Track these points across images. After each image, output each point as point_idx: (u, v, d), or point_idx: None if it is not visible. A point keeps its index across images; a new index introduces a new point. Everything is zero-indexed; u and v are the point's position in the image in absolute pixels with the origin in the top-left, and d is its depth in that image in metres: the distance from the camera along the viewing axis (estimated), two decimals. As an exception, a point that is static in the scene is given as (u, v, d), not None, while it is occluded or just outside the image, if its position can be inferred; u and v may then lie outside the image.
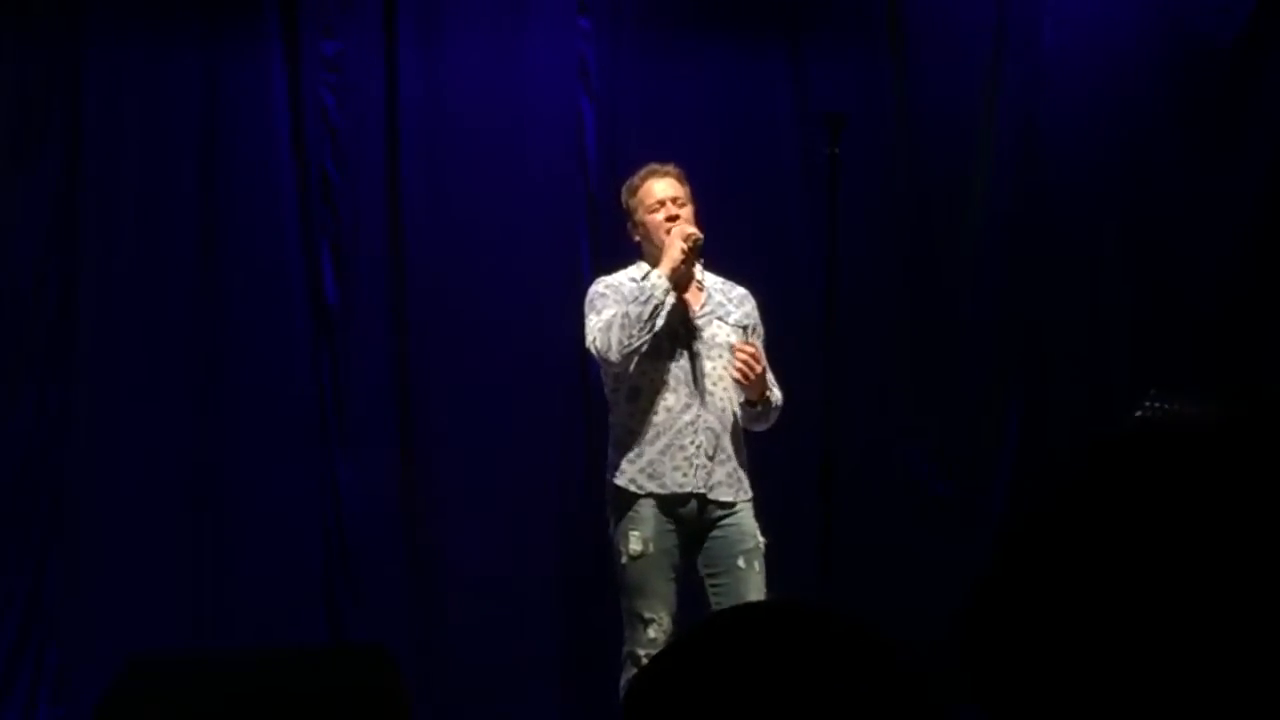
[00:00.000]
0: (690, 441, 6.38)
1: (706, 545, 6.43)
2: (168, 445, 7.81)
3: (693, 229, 6.37)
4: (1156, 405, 6.58)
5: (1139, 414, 6.53)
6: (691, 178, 7.55)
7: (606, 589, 7.86)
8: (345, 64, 8.01)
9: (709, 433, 6.40)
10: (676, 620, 6.33)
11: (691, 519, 6.40)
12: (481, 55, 8.08)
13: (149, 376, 7.82)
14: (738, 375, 6.26)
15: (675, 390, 6.41)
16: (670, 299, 6.33)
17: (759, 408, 6.35)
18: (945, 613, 7.82)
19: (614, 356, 6.31)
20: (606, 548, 7.85)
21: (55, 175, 7.84)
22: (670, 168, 6.57)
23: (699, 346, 6.45)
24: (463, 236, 8.02)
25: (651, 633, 6.26)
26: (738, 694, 1.64)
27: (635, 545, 6.36)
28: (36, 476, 7.77)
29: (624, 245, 7.98)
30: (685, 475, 6.38)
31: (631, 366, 6.34)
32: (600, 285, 6.57)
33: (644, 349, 6.32)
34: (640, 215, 6.54)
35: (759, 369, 6.25)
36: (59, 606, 7.75)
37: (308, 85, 7.97)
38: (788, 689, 1.65)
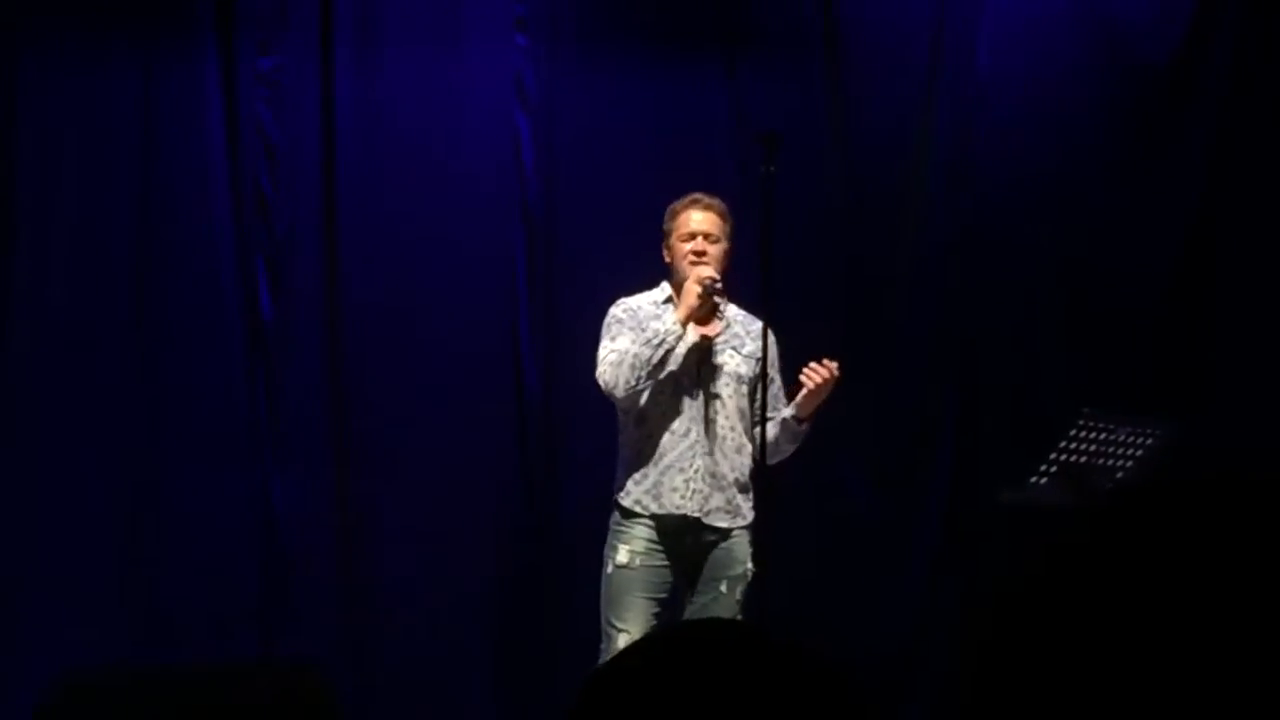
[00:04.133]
0: (689, 465, 6.44)
1: (697, 568, 6.50)
2: (101, 459, 7.77)
3: (710, 272, 6.41)
4: (1091, 424, 6.62)
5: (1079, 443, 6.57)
6: (625, 194, 7.56)
7: (541, 604, 7.88)
8: (281, 79, 7.99)
9: (706, 459, 6.45)
10: None
11: (686, 544, 6.45)
12: (418, 71, 8.07)
13: (82, 389, 7.78)
14: (810, 384, 6.34)
15: (680, 415, 6.46)
16: (683, 346, 6.39)
17: (803, 426, 6.44)
18: (879, 634, 7.89)
19: (619, 393, 6.40)
20: (548, 561, 7.88)
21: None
22: (715, 201, 6.59)
23: (709, 374, 6.50)
24: (398, 252, 8.00)
25: (622, 643, 6.27)
26: (679, 710, 1.64)
27: (621, 557, 6.43)
28: (-33, 489, 7.72)
29: (560, 261, 8.01)
30: (683, 498, 6.44)
31: (641, 402, 6.40)
32: (619, 309, 6.59)
33: (650, 387, 6.37)
34: (672, 241, 6.58)
35: (825, 386, 6.37)
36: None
37: (244, 100, 7.95)
38: (730, 709, 1.65)
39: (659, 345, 6.33)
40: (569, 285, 7.97)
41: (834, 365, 6.41)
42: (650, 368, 6.33)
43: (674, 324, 6.38)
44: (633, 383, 6.35)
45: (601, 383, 6.44)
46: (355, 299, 7.99)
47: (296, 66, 8.00)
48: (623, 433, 6.58)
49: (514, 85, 8.09)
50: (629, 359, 6.36)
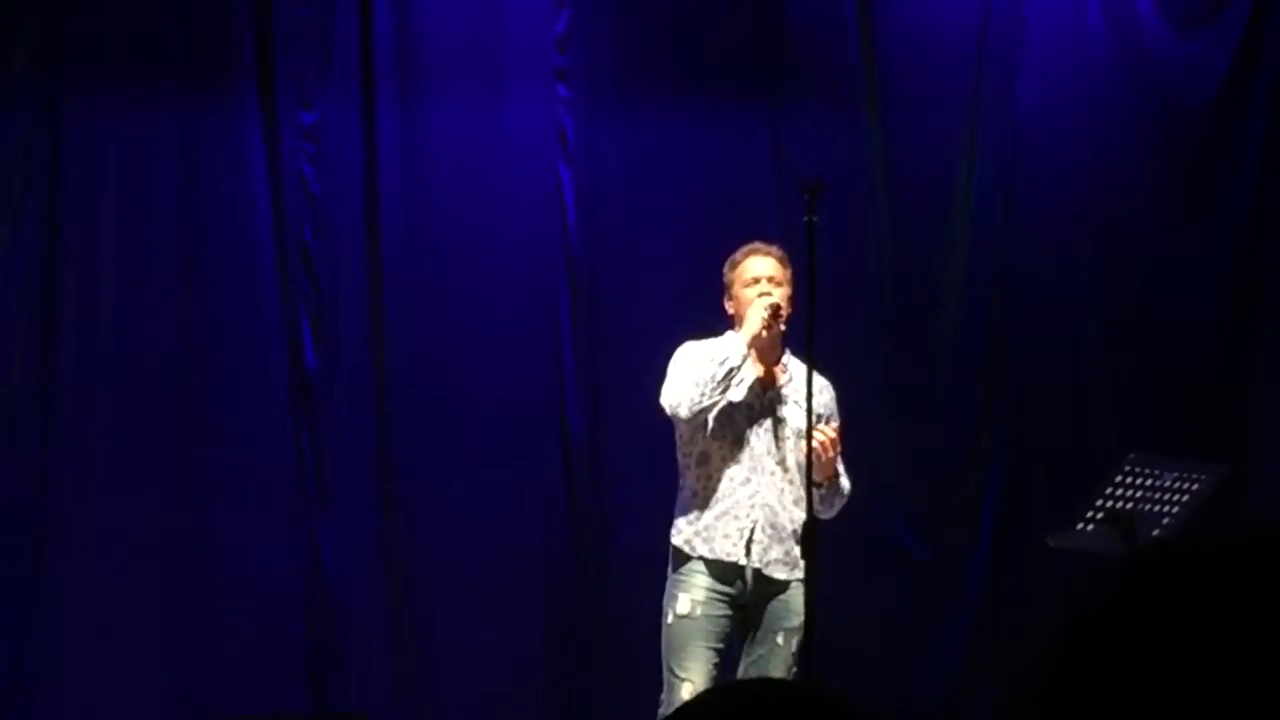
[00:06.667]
0: (745, 514, 6.45)
1: (754, 619, 6.50)
2: (148, 512, 7.79)
3: (775, 298, 6.42)
4: (1137, 469, 6.59)
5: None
6: (668, 243, 7.57)
7: (591, 652, 7.87)
8: (323, 134, 8.01)
9: (766, 509, 6.47)
10: None
11: (745, 592, 6.46)
12: (460, 122, 8.10)
13: (129, 443, 7.81)
14: (812, 453, 6.32)
15: (740, 462, 6.48)
16: (748, 369, 6.40)
17: (824, 490, 6.40)
18: (928, 678, 7.87)
19: (684, 413, 6.39)
20: (595, 608, 7.87)
21: (34, 242, 7.83)
22: (774, 249, 6.61)
23: (771, 424, 6.52)
24: (442, 303, 8.02)
25: (685, 693, 6.27)
26: None
27: (682, 607, 6.43)
28: (16, 541, 7.74)
29: (604, 309, 8.02)
30: (735, 545, 6.44)
31: (708, 427, 6.41)
32: (686, 347, 6.59)
33: (714, 411, 6.38)
34: (736, 290, 6.58)
35: (832, 453, 6.31)
36: (37, 667, 7.70)
37: (287, 155, 7.97)
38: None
39: (723, 363, 6.34)
40: (613, 333, 7.98)
41: (831, 431, 6.38)
42: (714, 384, 6.33)
43: (738, 344, 6.40)
44: (696, 400, 6.35)
45: (666, 406, 6.45)
46: (399, 349, 8.00)
47: (338, 119, 8.03)
48: (683, 475, 6.58)
49: (555, 135, 8.10)
50: (693, 377, 6.38)
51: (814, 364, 6.39)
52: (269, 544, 7.85)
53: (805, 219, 6.41)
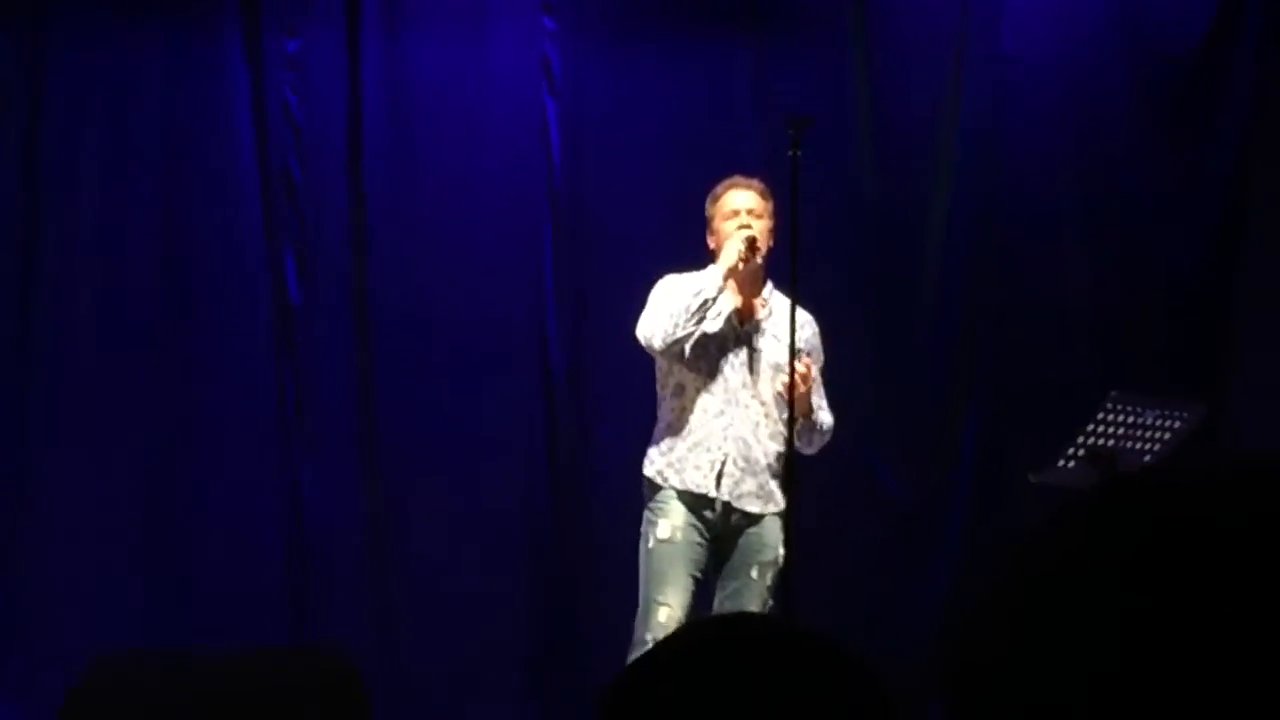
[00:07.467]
0: (718, 446, 6.45)
1: (727, 550, 6.49)
2: (129, 446, 7.79)
3: (753, 230, 6.40)
4: (1118, 407, 6.61)
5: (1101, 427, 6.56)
6: (652, 177, 7.56)
7: (574, 588, 7.88)
8: (307, 62, 7.99)
9: (739, 441, 6.46)
10: (690, 616, 6.36)
11: (717, 524, 6.46)
12: (444, 53, 8.07)
13: (109, 377, 7.80)
14: (781, 389, 6.32)
15: (715, 394, 6.47)
16: (725, 301, 6.39)
17: (799, 425, 6.37)
18: (909, 617, 7.89)
19: (657, 344, 6.39)
20: (575, 546, 7.86)
21: (14, 173, 7.81)
22: (755, 182, 6.61)
23: (748, 357, 6.50)
24: (426, 236, 8.01)
25: (662, 617, 6.30)
26: (710, 707, 1.64)
27: (663, 531, 6.44)
28: (-4, 476, 7.75)
29: (587, 245, 8.00)
30: (705, 476, 6.44)
31: (685, 354, 6.40)
32: (666, 280, 6.57)
33: (689, 342, 6.36)
34: (716, 223, 6.58)
35: (803, 388, 6.28)
36: (22, 609, 7.71)
37: (270, 83, 7.95)
38: (761, 707, 1.65)
39: (697, 294, 6.33)
40: (595, 268, 7.96)
41: (803, 366, 6.35)
42: (689, 315, 6.32)
43: (715, 275, 6.38)
44: (670, 331, 6.34)
45: (641, 337, 6.45)
46: (382, 283, 7.99)
47: (322, 50, 8.00)
48: (660, 406, 6.59)
49: (541, 68, 8.07)
50: (669, 308, 6.36)
51: (797, 299, 6.38)
52: (250, 480, 7.85)
53: (790, 153, 6.40)
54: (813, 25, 8.24)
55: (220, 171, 7.92)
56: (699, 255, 6.65)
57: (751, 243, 6.39)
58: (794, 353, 6.31)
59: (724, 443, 6.45)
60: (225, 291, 7.92)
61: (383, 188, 8.00)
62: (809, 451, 6.54)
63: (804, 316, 6.53)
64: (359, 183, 7.99)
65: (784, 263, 6.38)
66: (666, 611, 6.31)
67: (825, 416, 6.54)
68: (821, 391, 6.56)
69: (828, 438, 6.60)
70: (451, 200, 8.01)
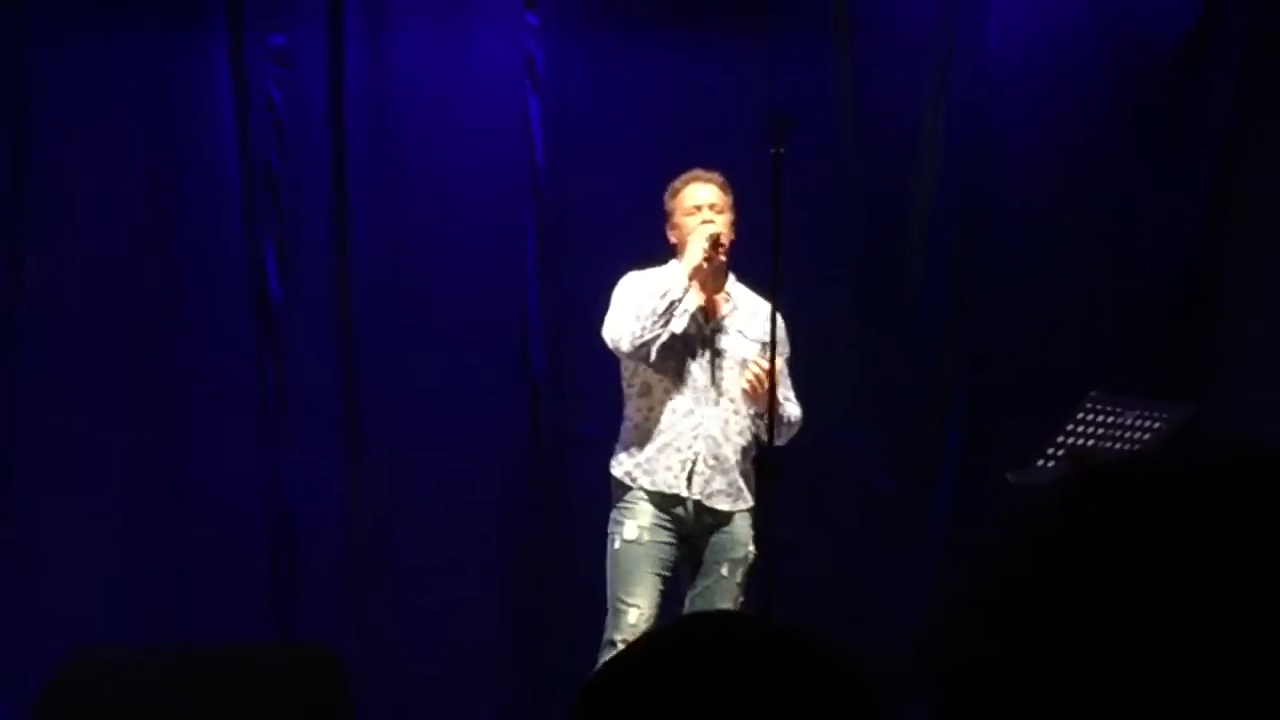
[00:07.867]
0: (687, 446, 6.45)
1: (698, 549, 6.49)
2: (112, 438, 7.78)
3: (716, 227, 6.39)
4: (1098, 407, 6.60)
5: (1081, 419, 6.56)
6: (635, 173, 7.55)
7: (554, 584, 7.88)
8: (292, 58, 7.98)
9: (709, 440, 6.46)
10: (660, 616, 6.36)
11: (687, 523, 6.45)
12: (429, 50, 8.07)
13: (93, 369, 7.80)
14: (745, 387, 6.32)
15: (683, 393, 6.47)
16: (690, 299, 6.38)
17: (764, 419, 6.36)
18: (891, 612, 7.89)
19: (625, 346, 6.39)
20: (556, 543, 7.86)
21: (1, 166, 7.79)
22: (715, 175, 6.61)
23: (714, 354, 6.50)
24: (409, 231, 8.01)
25: (631, 618, 6.31)
26: (687, 706, 1.64)
27: (630, 532, 6.43)
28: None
29: (570, 242, 8.00)
30: (676, 477, 6.44)
31: (651, 358, 6.38)
32: (628, 279, 6.57)
33: (657, 344, 6.35)
34: (677, 218, 6.57)
35: (762, 388, 6.27)
36: (3, 602, 7.70)
37: (254, 79, 7.95)
38: (738, 704, 1.66)
39: (664, 296, 6.32)
40: (579, 264, 7.95)
41: (762, 363, 6.35)
42: (655, 318, 6.31)
43: (679, 275, 6.37)
44: (637, 334, 6.33)
45: (608, 339, 6.45)
46: (364, 278, 7.99)
47: (306, 45, 8.00)
48: (626, 404, 6.59)
49: (524, 65, 8.07)
50: (634, 310, 6.36)
51: (778, 297, 6.37)
52: (233, 472, 7.85)
53: (773, 151, 6.39)
54: (797, 22, 8.23)
55: (204, 165, 7.92)
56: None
57: (715, 240, 6.39)
58: (774, 349, 6.31)
59: (694, 442, 6.45)
60: (208, 285, 7.92)
61: (366, 182, 8.00)
62: (778, 444, 6.53)
63: (768, 308, 6.48)
64: (342, 177, 7.99)
65: (766, 261, 6.37)
66: (636, 612, 6.31)
67: (793, 409, 6.54)
68: (788, 383, 6.55)
69: (795, 429, 6.59)
70: (434, 196, 8.01)
